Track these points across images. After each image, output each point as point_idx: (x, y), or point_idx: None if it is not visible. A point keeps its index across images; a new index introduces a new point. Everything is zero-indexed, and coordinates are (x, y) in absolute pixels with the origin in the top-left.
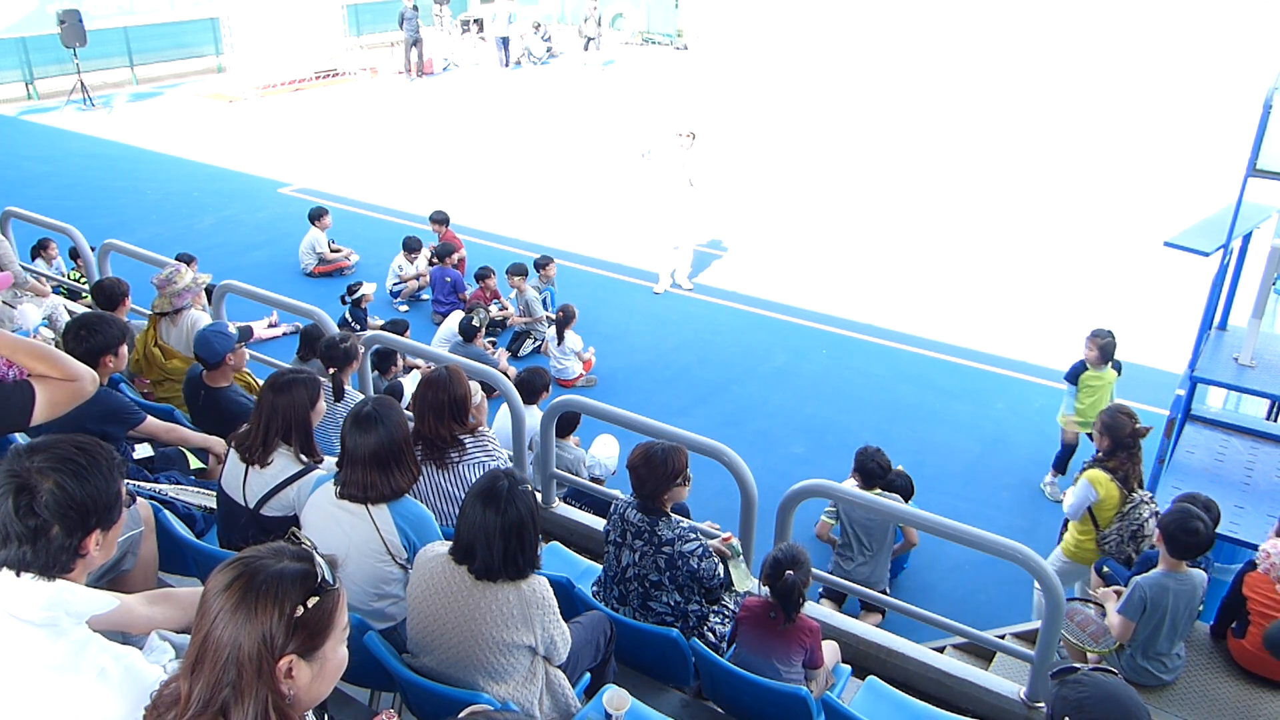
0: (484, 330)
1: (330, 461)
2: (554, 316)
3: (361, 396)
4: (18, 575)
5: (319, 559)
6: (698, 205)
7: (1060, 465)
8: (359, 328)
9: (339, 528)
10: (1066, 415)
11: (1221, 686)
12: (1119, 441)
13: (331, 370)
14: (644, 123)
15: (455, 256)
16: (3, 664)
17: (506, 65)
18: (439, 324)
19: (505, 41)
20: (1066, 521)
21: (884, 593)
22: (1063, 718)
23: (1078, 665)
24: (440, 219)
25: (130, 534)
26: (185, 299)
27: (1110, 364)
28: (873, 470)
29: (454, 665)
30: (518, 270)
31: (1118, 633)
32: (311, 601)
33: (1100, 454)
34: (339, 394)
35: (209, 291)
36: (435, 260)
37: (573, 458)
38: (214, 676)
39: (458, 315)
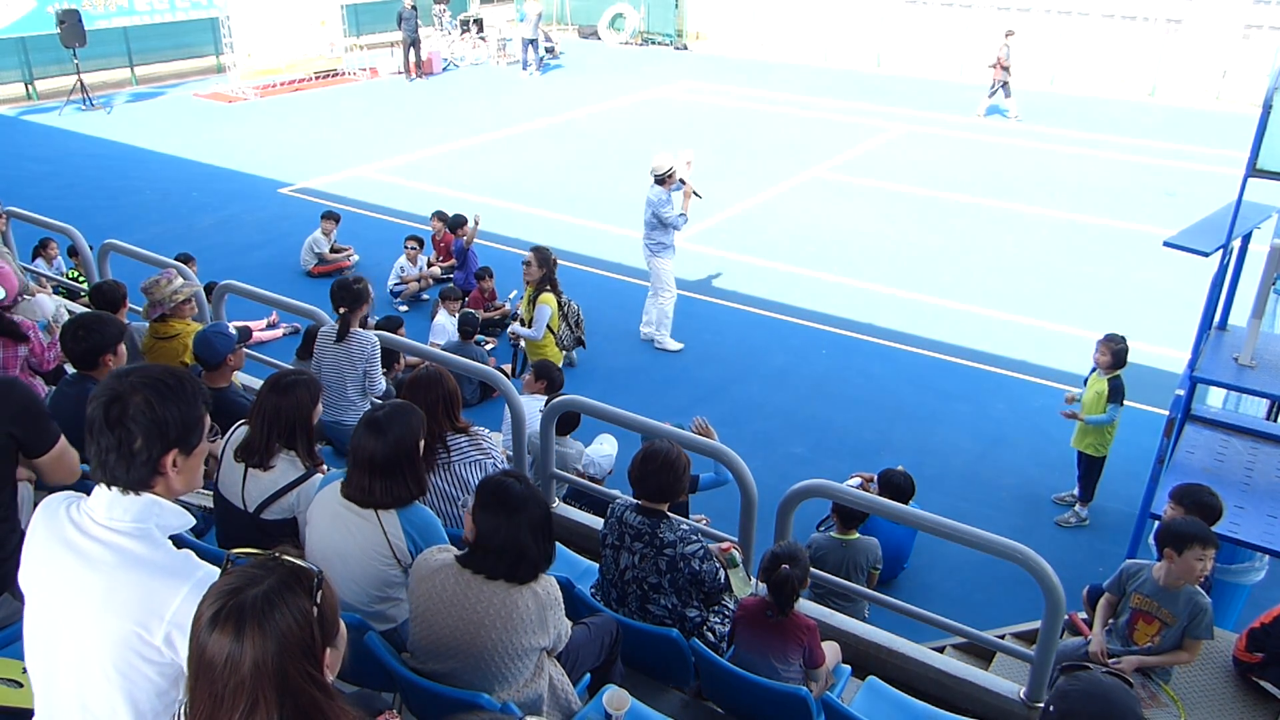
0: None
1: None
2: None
3: (372, 337)
4: (109, 488)
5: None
6: (669, 261)
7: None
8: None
9: (345, 528)
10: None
11: (1222, 687)
12: (549, 268)
13: (341, 310)
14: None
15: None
16: (110, 567)
17: (537, 67)
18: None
19: (534, 44)
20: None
21: None
22: (1049, 706)
23: (1088, 665)
24: (442, 217)
25: None
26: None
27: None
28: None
29: (466, 674)
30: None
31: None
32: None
33: (545, 284)
34: (343, 334)
35: (207, 290)
36: (450, 232)
37: (573, 452)
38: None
39: (451, 318)
